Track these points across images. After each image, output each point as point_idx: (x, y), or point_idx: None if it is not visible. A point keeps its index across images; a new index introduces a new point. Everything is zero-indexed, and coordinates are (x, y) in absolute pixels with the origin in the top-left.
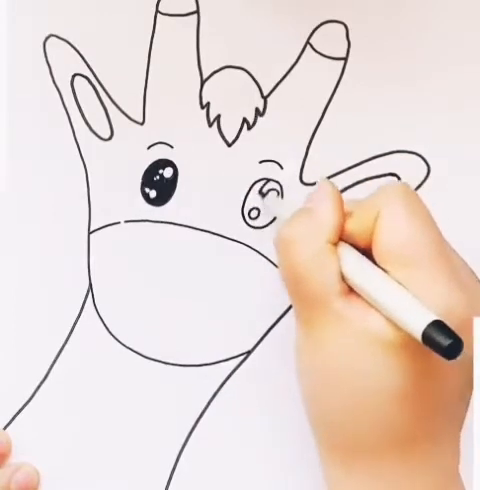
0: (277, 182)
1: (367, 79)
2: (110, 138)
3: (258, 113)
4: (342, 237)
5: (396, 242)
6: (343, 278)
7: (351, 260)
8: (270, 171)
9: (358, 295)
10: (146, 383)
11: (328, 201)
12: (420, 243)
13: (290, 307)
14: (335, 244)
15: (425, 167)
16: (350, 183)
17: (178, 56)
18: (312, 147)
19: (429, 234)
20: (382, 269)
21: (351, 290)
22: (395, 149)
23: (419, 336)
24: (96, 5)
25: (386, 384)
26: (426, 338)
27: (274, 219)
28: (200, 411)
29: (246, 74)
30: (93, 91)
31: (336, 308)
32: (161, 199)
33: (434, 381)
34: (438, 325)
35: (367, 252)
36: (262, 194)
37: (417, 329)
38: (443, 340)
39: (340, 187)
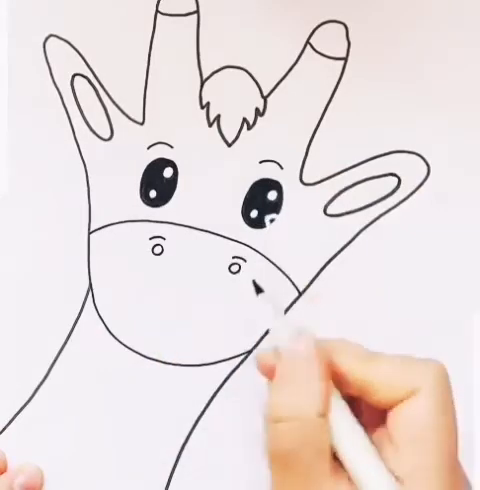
0: (277, 182)
1: (367, 79)
2: (110, 138)
3: (258, 113)
4: (334, 378)
5: (425, 428)
6: (334, 454)
7: (341, 435)
8: (270, 171)
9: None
10: (146, 383)
11: (313, 370)
12: (445, 436)
13: (290, 307)
14: (325, 414)
15: (425, 167)
16: (350, 183)
17: (178, 56)
18: (312, 147)
19: (455, 429)
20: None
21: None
22: (395, 149)
23: None
24: (96, 5)
25: None
26: None
27: (273, 220)
28: (200, 411)
29: (246, 74)
30: (93, 91)
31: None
32: (161, 199)
33: None
34: None
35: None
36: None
37: None
38: None
39: (340, 187)
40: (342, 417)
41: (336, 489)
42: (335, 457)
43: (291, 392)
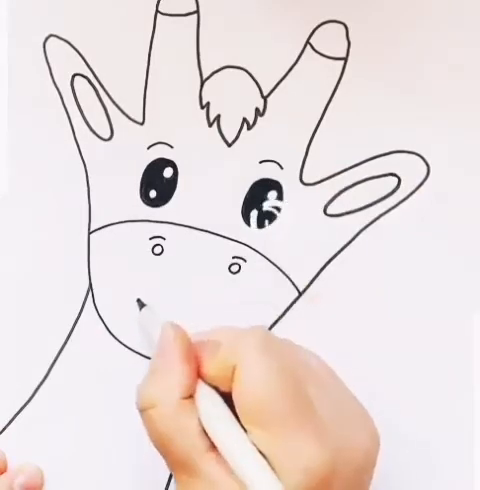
0: (277, 182)
1: (367, 79)
2: (110, 138)
3: (258, 113)
4: (204, 377)
5: (251, 405)
6: (205, 431)
7: (209, 415)
8: (270, 171)
9: None
10: None
11: (174, 356)
12: (277, 401)
13: (290, 307)
14: (191, 396)
15: (425, 167)
16: (350, 183)
17: (178, 56)
18: (312, 147)
19: (285, 391)
20: (242, 425)
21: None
22: (395, 149)
23: None
24: (96, 5)
25: None
26: None
27: (275, 218)
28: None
29: (246, 74)
30: (93, 91)
31: (202, 468)
32: (161, 199)
33: None
34: None
35: (229, 396)
36: (140, 304)
37: None
38: None
39: (340, 187)
40: (208, 401)
41: (213, 463)
42: None
43: (155, 379)
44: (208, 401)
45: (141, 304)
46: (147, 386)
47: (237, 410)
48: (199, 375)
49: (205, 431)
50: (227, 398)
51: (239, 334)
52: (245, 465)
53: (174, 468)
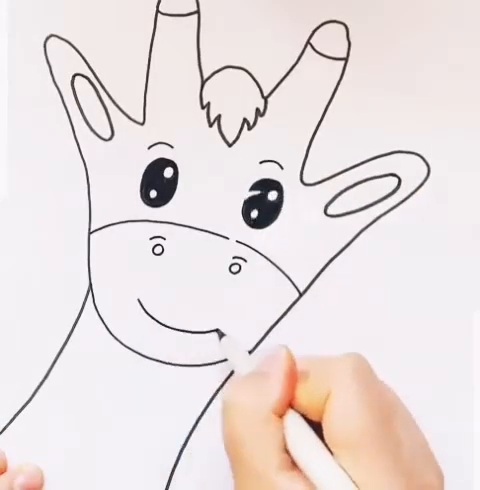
0: (277, 182)
1: (367, 79)
2: (110, 138)
3: (258, 113)
4: (293, 406)
5: (345, 429)
6: (287, 451)
7: (296, 434)
8: (270, 171)
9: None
10: (146, 383)
11: (279, 371)
12: (367, 429)
13: (290, 307)
14: (281, 415)
15: (425, 167)
16: (350, 183)
17: (178, 56)
18: (312, 147)
19: (375, 421)
20: (328, 449)
21: (295, 464)
22: (395, 149)
23: None
24: (96, 5)
25: None
26: None
27: (276, 217)
28: (200, 411)
29: (246, 74)
30: (93, 91)
31: (275, 483)
32: (161, 199)
33: None
34: None
35: (318, 425)
36: (220, 335)
37: None
38: None
39: (340, 187)
40: (297, 423)
41: (287, 481)
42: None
43: (252, 383)
44: (297, 421)
45: (221, 334)
46: (242, 386)
47: (326, 433)
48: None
49: (287, 450)
50: (314, 428)
51: (332, 360)
52: (332, 483)
53: (242, 477)
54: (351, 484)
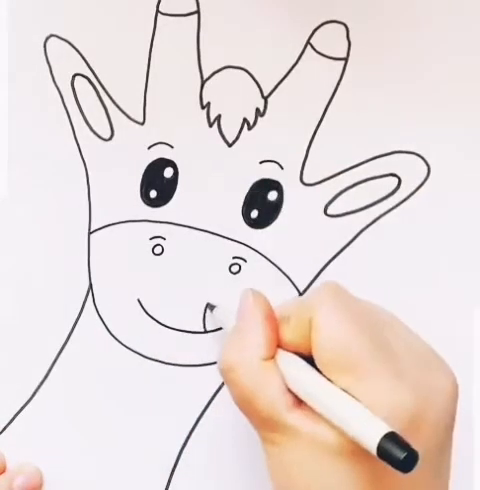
0: (277, 182)
1: (367, 79)
2: (110, 138)
3: (258, 113)
4: (283, 346)
5: (332, 351)
6: (289, 390)
7: (293, 372)
8: (270, 171)
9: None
10: (146, 383)
11: (254, 318)
12: (356, 346)
13: None
14: (272, 357)
15: (425, 167)
16: (350, 183)
17: (178, 56)
18: (312, 147)
19: (363, 334)
20: (326, 377)
21: (300, 400)
22: (395, 149)
23: (374, 451)
24: (96, 5)
25: None
26: (380, 453)
27: (276, 217)
28: (200, 411)
29: (246, 74)
30: (93, 91)
31: (286, 423)
32: (161, 199)
33: (390, 486)
34: (391, 438)
35: (311, 358)
36: (210, 307)
37: (371, 444)
38: (397, 454)
39: (340, 187)
40: (290, 361)
41: (297, 418)
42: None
43: (235, 341)
44: (290, 360)
45: (211, 307)
46: (228, 348)
47: (319, 363)
48: (278, 344)
49: (288, 390)
50: (311, 364)
51: (309, 293)
52: (341, 410)
53: (259, 426)
54: (358, 404)
